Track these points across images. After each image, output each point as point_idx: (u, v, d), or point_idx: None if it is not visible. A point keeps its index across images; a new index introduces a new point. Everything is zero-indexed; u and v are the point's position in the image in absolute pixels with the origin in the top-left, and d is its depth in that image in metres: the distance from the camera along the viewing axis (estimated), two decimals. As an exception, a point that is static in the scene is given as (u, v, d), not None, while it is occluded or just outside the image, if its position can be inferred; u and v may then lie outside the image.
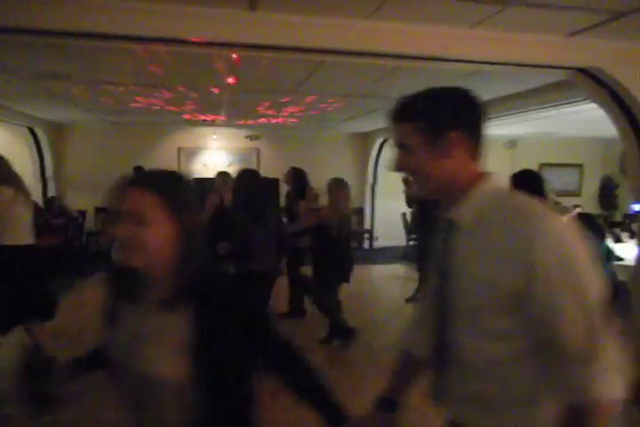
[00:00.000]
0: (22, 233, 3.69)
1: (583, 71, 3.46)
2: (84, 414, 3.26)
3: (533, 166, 10.81)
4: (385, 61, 3.27)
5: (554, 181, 9.97)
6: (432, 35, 3.09)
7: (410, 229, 8.89)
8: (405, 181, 6.02)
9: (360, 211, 10.71)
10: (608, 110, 3.76)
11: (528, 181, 3.93)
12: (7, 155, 9.19)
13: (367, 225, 10.68)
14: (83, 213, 8.82)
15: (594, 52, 3.29)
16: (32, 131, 8.68)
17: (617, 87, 3.41)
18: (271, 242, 3.87)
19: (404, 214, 9.45)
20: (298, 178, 5.24)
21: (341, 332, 4.65)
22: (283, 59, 3.58)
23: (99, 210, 9.36)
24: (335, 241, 4.44)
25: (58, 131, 9.38)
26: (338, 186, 4.68)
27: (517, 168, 4.92)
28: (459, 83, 4.73)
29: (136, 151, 9.55)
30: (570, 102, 5.02)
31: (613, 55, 3.31)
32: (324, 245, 4.51)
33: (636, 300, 4.03)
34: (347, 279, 4.64)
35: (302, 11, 2.84)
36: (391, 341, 4.88)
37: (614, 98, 3.54)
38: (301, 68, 4.22)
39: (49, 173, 9.19)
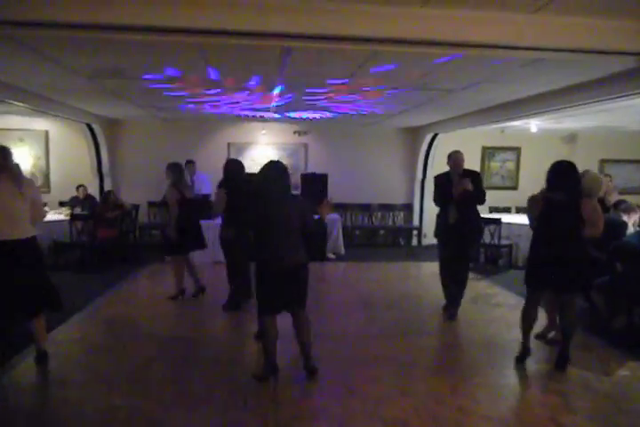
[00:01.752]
0: (22, 225, 3.69)
1: (656, 57, 3.22)
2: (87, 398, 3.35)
3: (594, 162, 10.33)
4: (441, 50, 3.14)
5: (616, 177, 9.46)
6: (491, 21, 2.93)
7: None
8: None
9: (408, 207, 10.53)
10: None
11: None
12: (67, 150, 9.68)
13: (416, 222, 10.48)
14: (136, 207, 9.07)
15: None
16: (90, 127, 9.00)
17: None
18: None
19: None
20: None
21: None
22: (334, 50, 3.50)
23: (151, 204, 9.63)
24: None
25: (113, 127, 9.69)
26: None
27: (577, 164, 4.68)
28: (516, 73, 4.59)
29: (187, 146, 9.74)
30: (636, 93, 4.69)
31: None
32: None
33: None
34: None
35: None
36: (442, 339, 4.80)
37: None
38: (353, 59, 4.13)
39: (105, 168, 9.51)
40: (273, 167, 3.60)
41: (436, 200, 5.35)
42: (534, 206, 4.03)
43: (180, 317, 5.38)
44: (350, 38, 2.95)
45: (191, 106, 7.20)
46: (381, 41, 2.94)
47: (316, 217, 3.77)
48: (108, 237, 7.82)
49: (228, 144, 10.12)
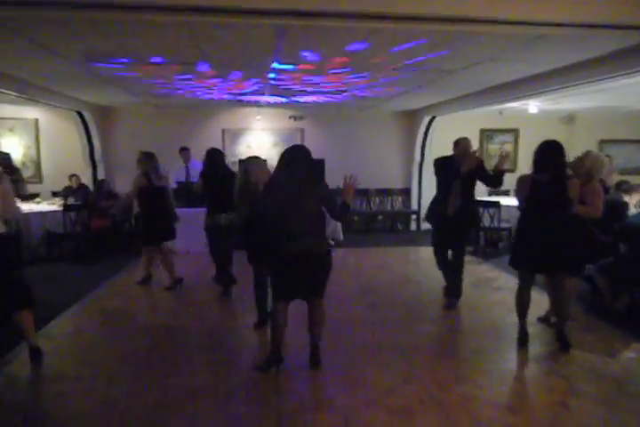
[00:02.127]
0: None
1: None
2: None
3: (593, 143, 10.23)
4: (443, 26, 3.00)
5: (615, 158, 9.35)
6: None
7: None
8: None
9: (407, 191, 10.44)
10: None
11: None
12: (58, 139, 9.51)
13: (414, 206, 10.40)
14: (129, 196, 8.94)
15: (679, 7, 2.92)
16: (80, 115, 8.82)
17: None
18: None
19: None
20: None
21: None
22: (332, 28, 3.35)
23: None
24: None
25: (105, 114, 9.51)
26: None
27: (575, 145, 4.59)
28: (518, 51, 4.46)
29: (181, 133, 9.58)
30: (636, 71, 4.56)
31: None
32: None
33: None
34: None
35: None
36: (445, 325, 4.74)
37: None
38: (351, 37, 3.97)
39: (97, 156, 9.35)
40: (296, 151, 3.44)
41: (442, 183, 5.03)
42: (522, 187, 3.97)
43: (178, 307, 5.31)
44: (350, 15, 2.82)
45: (181, 91, 7.02)
46: (377, 18, 2.80)
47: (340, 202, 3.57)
48: (101, 226, 7.71)
49: (223, 130, 9.96)
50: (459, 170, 4.81)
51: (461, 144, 5.02)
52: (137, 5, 2.84)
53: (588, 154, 4.48)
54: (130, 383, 3.46)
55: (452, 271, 5.14)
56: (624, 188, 5.62)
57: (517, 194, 4.11)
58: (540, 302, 4.60)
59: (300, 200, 3.37)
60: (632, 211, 5.41)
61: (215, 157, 5.47)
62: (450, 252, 5.16)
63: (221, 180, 5.36)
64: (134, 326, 4.66)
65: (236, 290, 5.56)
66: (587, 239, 4.33)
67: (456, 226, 4.94)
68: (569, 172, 4.03)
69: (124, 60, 5.01)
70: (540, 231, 3.88)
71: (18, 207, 4.04)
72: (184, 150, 8.53)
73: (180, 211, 7.92)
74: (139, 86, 6.79)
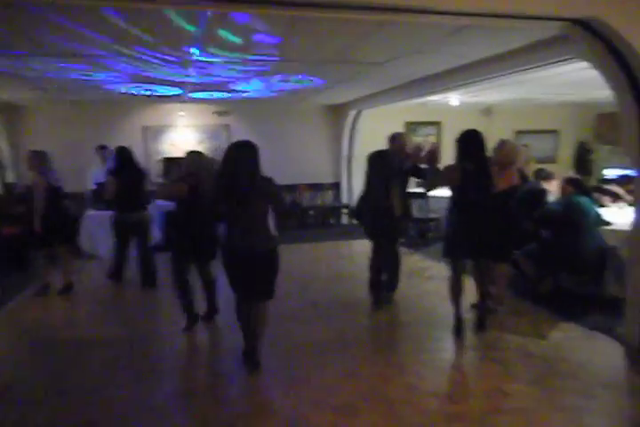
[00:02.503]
0: None
1: (579, 23, 3.21)
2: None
3: (509, 133, 10.72)
4: (365, 16, 2.94)
5: (530, 148, 9.87)
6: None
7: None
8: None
9: (336, 186, 10.46)
10: (603, 68, 3.54)
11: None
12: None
13: (345, 200, 10.44)
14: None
15: (593, 1, 3.03)
16: (-18, 113, 8.06)
17: (617, 40, 3.18)
18: None
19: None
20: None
21: None
22: (257, 16, 3.21)
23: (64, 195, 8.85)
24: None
25: (13, 113, 8.73)
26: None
27: (494, 136, 4.75)
28: (441, 43, 4.49)
29: (99, 131, 9.00)
30: (555, 62, 4.77)
31: (613, 5, 3.06)
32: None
33: (631, 264, 3.91)
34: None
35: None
36: (381, 317, 4.74)
37: (611, 52, 3.31)
38: (275, 28, 3.84)
39: (5, 159, 8.59)
40: (239, 147, 3.41)
41: (374, 180, 4.84)
42: (447, 175, 4.02)
43: (102, 316, 4.96)
44: (274, 2, 2.69)
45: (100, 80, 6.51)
46: (304, 5, 2.69)
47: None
48: (12, 234, 7.09)
49: (144, 127, 9.47)
50: (399, 166, 4.70)
51: (398, 139, 4.90)
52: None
53: (505, 143, 4.63)
54: (48, 404, 3.16)
55: (390, 265, 5.03)
56: (542, 175, 5.89)
57: (443, 183, 4.16)
58: (472, 289, 4.71)
59: (247, 198, 3.29)
60: (551, 198, 5.68)
61: (124, 155, 5.65)
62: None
63: (131, 177, 5.61)
64: (53, 339, 4.28)
65: (162, 293, 5.29)
66: (512, 226, 4.49)
67: (391, 221, 4.79)
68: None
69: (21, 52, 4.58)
70: (469, 219, 4.00)
71: None
72: (102, 149, 8.01)
73: (100, 214, 7.52)
74: (46, 80, 6.27)
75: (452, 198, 4.15)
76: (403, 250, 7.27)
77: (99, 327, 4.56)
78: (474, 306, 4.70)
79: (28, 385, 3.45)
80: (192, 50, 4.63)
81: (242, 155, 3.35)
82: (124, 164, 5.61)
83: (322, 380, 3.40)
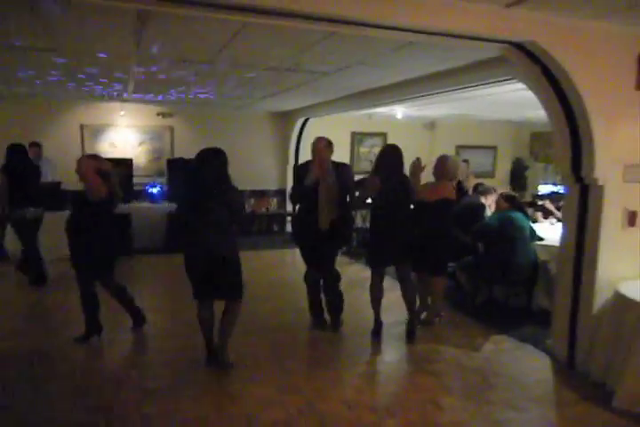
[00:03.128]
0: None
1: (517, 46, 3.33)
2: None
3: (451, 148, 11.05)
4: (313, 26, 2.91)
5: (470, 162, 10.21)
6: (367, -2, 2.78)
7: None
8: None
9: (282, 193, 10.39)
10: (538, 89, 3.68)
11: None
12: None
13: (289, 207, 10.37)
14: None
15: (531, 25, 3.15)
16: None
17: (551, 64, 3.31)
18: None
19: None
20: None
21: None
22: (202, 18, 3.11)
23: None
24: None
25: None
26: None
27: (436, 149, 4.86)
28: (388, 57, 4.53)
29: (32, 128, 8.48)
30: (494, 82, 4.95)
31: (551, 30, 3.19)
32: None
33: (557, 278, 4.07)
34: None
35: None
36: (319, 331, 4.68)
37: (546, 75, 3.45)
38: (221, 31, 3.75)
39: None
40: (207, 154, 3.52)
41: (295, 195, 4.49)
42: (371, 187, 4.13)
43: (28, 325, 4.64)
44: (217, 5, 2.60)
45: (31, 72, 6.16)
46: (250, 10, 2.62)
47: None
48: None
49: (82, 126, 9.03)
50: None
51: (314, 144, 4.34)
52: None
53: (447, 158, 4.70)
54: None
55: (329, 289, 4.55)
56: (480, 190, 6.07)
57: (364, 193, 4.29)
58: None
59: (207, 203, 3.45)
60: (488, 212, 5.86)
61: (15, 151, 5.77)
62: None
63: (23, 174, 5.69)
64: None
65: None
66: (446, 239, 4.57)
67: (330, 241, 4.36)
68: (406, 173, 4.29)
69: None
70: (383, 229, 4.23)
71: None
72: (34, 146, 7.58)
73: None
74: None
75: (371, 209, 4.40)
76: (343, 259, 7.32)
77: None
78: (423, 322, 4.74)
79: None
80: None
81: (207, 162, 3.48)
82: (15, 160, 5.71)
83: (256, 395, 3.30)
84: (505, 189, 10.28)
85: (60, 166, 7.89)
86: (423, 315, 4.78)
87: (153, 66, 5.24)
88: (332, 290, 4.52)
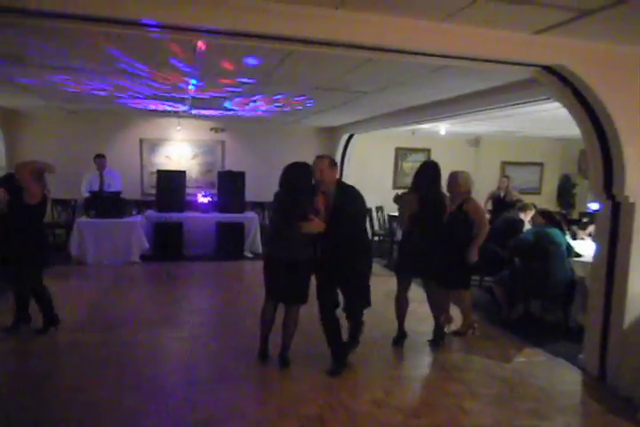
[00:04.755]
0: None
1: (548, 69, 3.50)
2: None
3: (496, 164, 11.07)
4: (353, 53, 3.22)
5: (515, 179, 10.20)
6: (401, 27, 3.05)
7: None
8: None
9: (326, 206, 10.67)
10: (571, 109, 3.82)
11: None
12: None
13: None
14: (38, 205, 8.42)
15: (559, 50, 3.33)
16: (-17, 118, 8.26)
17: (580, 86, 3.47)
18: None
19: (369, 210, 9.47)
20: None
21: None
22: (250, 47, 3.47)
23: (56, 202, 9.01)
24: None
25: (12, 118, 8.94)
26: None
27: (481, 166, 5.00)
28: (426, 77, 4.79)
29: (95, 141, 9.20)
30: (533, 101, 5.09)
31: (578, 54, 3.36)
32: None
33: (593, 294, 4.13)
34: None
35: (271, -2, 2.76)
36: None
37: (577, 97, 3.59)
38: (269, 58, 4.12)
39: (1, 163, 8.76)
40: (291, 167, 3.87)
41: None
42: (407, 206, 4.34)
43: (87, 322, 5.08)
44: (265, 36, 2.94)
45: (101, 93, 6.77)
46: (295, 41, 2.96)
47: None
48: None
49: (141, 140, 9.70)
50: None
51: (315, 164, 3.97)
52: (46, 12, 2.78)
53: (460, 174, 4.73)
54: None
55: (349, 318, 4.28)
56: (519, 206, 6.16)
57: (402, 211, 4.47)
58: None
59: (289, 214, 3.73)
60: (527, 227, 5.93)
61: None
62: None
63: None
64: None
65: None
66: (462, 254, 4.64)
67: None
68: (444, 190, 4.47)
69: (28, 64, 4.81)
70: (416, 243, 4.36)
71: None
72: (99, 157, 8.24)
73: (92, 221, 7.69)
74: (46, 89, 6.50)
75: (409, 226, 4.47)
76: (384, 271, 7.50)
77: (84, 331, 4.69)
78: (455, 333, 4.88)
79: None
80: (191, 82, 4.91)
81: (291, 175, 3.79)
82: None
83: (290, 390, 3.55)
84: (551, 206, 10.21)
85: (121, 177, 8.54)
86: (456, 327, 4.90)
87: (210, 85, 5.69)
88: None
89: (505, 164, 11.31)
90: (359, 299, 4.08)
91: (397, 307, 4.56)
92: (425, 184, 4.30)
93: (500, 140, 11.04)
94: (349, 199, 3.84)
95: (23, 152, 9.14)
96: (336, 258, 3.85)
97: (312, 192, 3.77)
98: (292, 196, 3.75)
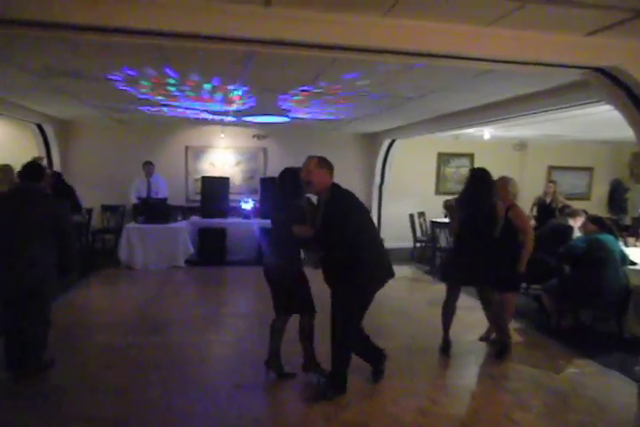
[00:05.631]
0: None
1: (601, 71, 3.40)
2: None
3: (542, 169, 10.79)
4: (400, 59, 3.22)
5: (563, 184, 9.91)
6: (449, 32, 3.04)
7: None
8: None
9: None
10: (624, 112, 3.70)
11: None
12: (15, 152, 9.31)
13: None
14: (89, 211, 8.78)
15: (613, 51, 3.24)
16: (40, 127, 8.68)
17: (635, 87, 3.35)
18: None
19: (411, 216, 9.40)
20: None
21: None
22: (296, 56, 3.53)
23: (105, 208, 9.36)
24: None
25: (65, 127, 9.38)
26: None
27: (526, 170, 4.88)
28: (470, 82, 4.76)
29: (143, 149, 9.52)
30: (581, 104, 4.94)
31: (632, 55, 3.25)
32: None
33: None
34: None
35: (318, 7, 2.81)
36: (401, 342, 4.86)
37: (631, 98, 3.48)
38: (313, 65, 4.17)
39: (56, 169, 9.17)
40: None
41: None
42: (455, 212, 4.30)
43: (136, 325, 5.25)
44: (313, 45, 3.00)
45: (148, 107, 7.05)
46: (343, 48, 3.00)
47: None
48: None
49: (186, 147, 9.97)
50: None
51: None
52: (108, 28, 2.92)
53: (509, 181, 4.65)
54: (85, 399, 3.42)
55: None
56: (568, 212, 5.98)
57: (451, 224, 4.45)
58: (483, 321, 4.77)
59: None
60: (577, 234, 5.75)
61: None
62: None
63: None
64: (91, 342, 4.58)
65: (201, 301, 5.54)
66: (515, 256, 4.52)
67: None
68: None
69: (87, 76, 5.04)
70: (467, 251, 4.27)
71: None
72: (148, 164, 8.53)
73: (140, 227, 7.95)
74: (102, 101, 6.78)
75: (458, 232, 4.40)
76: (427, 278, 7.42)
77: (136, 335, 4.84)
78: (481, 339, 4.77)
79: (64, 382, 3.73)
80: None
81: (279, 180, 3.75)
82: None
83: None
84: (601, 212, 9.85)
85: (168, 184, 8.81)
86: (492, 336, 4.77)
87: (257, 93, 5.80)
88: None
89: (551, 168, 11.01)
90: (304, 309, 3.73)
91: (444, 315, 4.47)
92: (479, 192, 4.20)
93: (547, 143, 10.75)
94: (334, 208, 3.38)
95: (76, 160, 9.57)
96: (324, 270, 3.55)
97: (298, 196, 3.59)
98: (278, 201, 3.73)
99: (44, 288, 3.67)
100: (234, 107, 6.81)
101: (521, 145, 10.83)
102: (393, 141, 9.94)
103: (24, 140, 9.12)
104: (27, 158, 8.92)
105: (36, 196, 3.72)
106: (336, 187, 3.54)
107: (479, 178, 4.27)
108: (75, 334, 4.77)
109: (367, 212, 3.69)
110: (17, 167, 8.26)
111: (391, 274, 3.55)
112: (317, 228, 3.43)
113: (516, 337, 4.77)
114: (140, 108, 7.17)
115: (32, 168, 3.86)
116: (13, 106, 7.16)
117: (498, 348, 4.40)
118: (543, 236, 5.63)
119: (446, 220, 6.90)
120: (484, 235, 4.20)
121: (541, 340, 4.92)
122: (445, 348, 4.46)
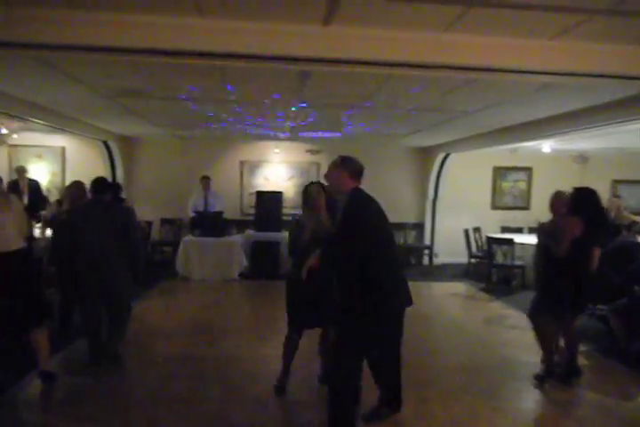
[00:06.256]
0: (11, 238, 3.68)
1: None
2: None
3: (605, 183, 10.32)
4: (460, 74, 3.20)
5: (628, 198, 9.44)
6: (509, 47, 3.00)
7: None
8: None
9: (420, 226, 10.53)
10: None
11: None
12: (83, 167, 9.82)
13: (427, 241, 10.46)
14: (149, 224, 9.12)
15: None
16: (106, 144, 9.15)
17: None
18: None
19: (466, 231, 9.19)
20: None
21: None
22: (353, 73, 3.57)
23: (164, 221, 9.70)
24: None
25: (129, 144, 9.85)
26: None
27: (587, 184, 4.68)
28: (529, 97, 4.65)
29: (201, 164, 9.85)
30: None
31: None
32: None
33: None
34: None
35: (377, 24, 2.83)
36: (454, 361, 4.73)
37: None
38: (370, 81, 4.20)
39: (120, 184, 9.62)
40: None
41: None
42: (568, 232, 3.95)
43: (194, 336, 5.37)
44: (367, 62, 3.02)
45: (211, 124, 7.29)
46: (402, 65, 3.01)
47: None
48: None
49: (241, 162, 10.22)
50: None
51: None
52: (175, 51, 3.06)
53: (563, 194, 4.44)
54: (146, 409, 3.52)
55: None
56: (636, 229, 5.68)
57: (554, 239, 4.03)
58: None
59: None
60: (646, 252, 5.44)
61: None
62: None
63: None
64: (150, 352, 4.72)
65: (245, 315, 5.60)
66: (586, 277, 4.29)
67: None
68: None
69: (154, 95, 5.29)
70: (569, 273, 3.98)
71: (31, 226, 4.25)
72: (205, 179, 8.82)
73: (196, 240, 8.18)
74: (168, 120, 7.08)
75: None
76: (483, 296, 7.22)
77: (194, 346, 4.95)
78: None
79: (126, 392, 3.85)
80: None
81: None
82: None
83: (393, 417, 3.47)
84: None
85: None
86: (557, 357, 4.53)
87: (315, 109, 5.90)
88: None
89: (616, 182, 10.51)
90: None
91: (544, 334, 4.13)
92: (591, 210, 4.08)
93: (610, 156, 10.27)
94: (346, 216, 2.98)
95: (138, 175, 10.01)
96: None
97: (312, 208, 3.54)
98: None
99: (127, 293, 4.37)
100: (294, 122, 6.93)
101: (582, 157, 10.41)
102: (447, 155, 9.81)
103: (91, 155, 9.64)
104: (93, 173, 9.43)
105: (109, 206, 4.32)
106: (356, 192, 3.05)
107: (587, 196, 4.15)
108: (136, 343, 4.93)
109: (386, 226, 3.24)
110: (87, 181, 8.50)
111: (409, 302, 3.14)
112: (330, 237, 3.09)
113: (581, 361, 4.53)
114: (203, 125, 7.43)
115: (101, 182, 4.39)
116: (82, 124, 7.60)
117: (564, 371, 4.17)
118: (609, 254, 5.35)
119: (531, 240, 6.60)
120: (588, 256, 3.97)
121: (608, 363, 4.66)
122: (548, 373, 4.10)
